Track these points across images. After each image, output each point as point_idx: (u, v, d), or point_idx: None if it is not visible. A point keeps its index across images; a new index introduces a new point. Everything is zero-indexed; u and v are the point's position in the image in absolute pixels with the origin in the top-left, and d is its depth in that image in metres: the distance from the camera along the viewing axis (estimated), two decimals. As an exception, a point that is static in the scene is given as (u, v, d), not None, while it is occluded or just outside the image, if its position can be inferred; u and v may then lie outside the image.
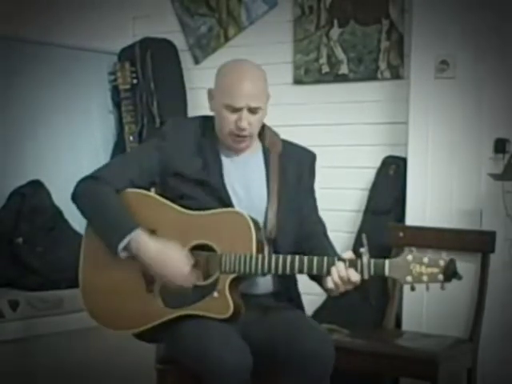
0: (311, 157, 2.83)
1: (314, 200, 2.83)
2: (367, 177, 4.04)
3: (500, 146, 3.55)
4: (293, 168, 2.75)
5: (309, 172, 2.81)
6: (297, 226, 2.73)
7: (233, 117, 2.63)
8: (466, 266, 3.49)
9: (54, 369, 3.57)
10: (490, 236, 3.48)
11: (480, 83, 3.57)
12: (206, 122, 2.76)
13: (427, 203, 3.69)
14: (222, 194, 2.67)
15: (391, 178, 3.93)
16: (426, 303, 3.60)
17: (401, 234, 3.68)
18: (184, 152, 2.70)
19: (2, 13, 4.09)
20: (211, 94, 2.73)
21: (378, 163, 4.00)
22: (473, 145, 3.60)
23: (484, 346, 3.48)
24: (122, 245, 2.57)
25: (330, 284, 2.50)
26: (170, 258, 2.57)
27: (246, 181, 2.72)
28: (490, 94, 3.56)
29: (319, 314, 3.83)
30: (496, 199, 3.53)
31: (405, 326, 3.70)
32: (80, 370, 3.61)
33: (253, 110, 2.64)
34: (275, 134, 2.81)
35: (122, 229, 2.59)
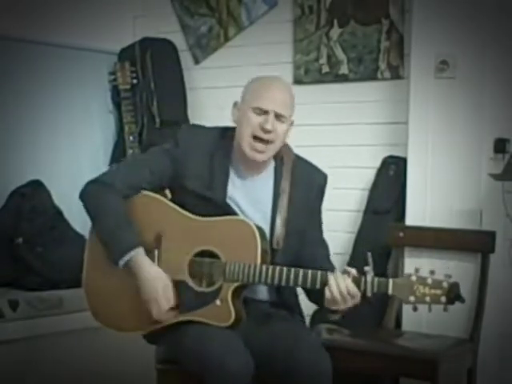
0: (322, 178, 2.80)
1: (320, 222, 2.82)
2: (367, 177, 4.04)
3: (500, 145, 3.55)
4: (303, 186, 2.73)
5: (317, 193, 2.79)
6: (298, 245, 2.72)
7: (259, 119, 2.62)
8: (466, 265, 3.50)
9: (54, 369, 3.57)
10: (490, 236, 3.48)
11: (480, 83, 3.57)
12: (222, 134, 2.74)
13: (427, 203, 3.69)
14: (225, 210, 2.65)
15: (391, 178, 3.93)
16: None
17: (401, 234, 3.68)
18: (194, 163, 2.69)
19: (1, 13, 4.09)
20: (237, 106, 2.71)
21: (377, 163, 4.00)
22: (473, 145, 3.60)
23: (484, 346, 3.48)
24: (122, 262, 2.60)
25: (327, 295, 2.50)
26: (156, 291, 2.59)
27: (253, 198, 2.71)
28: (490, 94, 3.56)
29: (319, 313, 3.82)
30: (496, 199, 3.52)
31: (405, 326, 3.70)
32: (80, 370, 3.61)
33: (279, 117, 2.63)
34: (288, 147, 2.79)
35: (124, 244, 2.61)
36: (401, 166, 3.88)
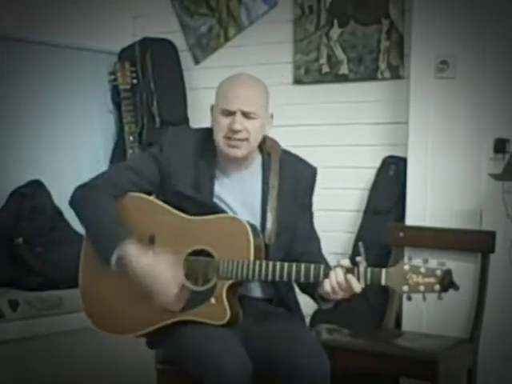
0: (311, 172, 2.79)
1: (311, 215, 2.81)
2: (367, 177, 4.04)
3: (500, 145, 3.55)
4: (291, 180, 2.73)
5: (307, 187, 2.78)
6: (290, 240, 2.72)
7: (227, 120, 2.63)
8: (466, 266, 3.50)
9: (54, 369, 3.57)
10: (490, 236, 3.48)
11: (480, 83, 3.57)
12: (206, 135, 2.74)
13: (427, 203, 3.69)
14: (213, 209, 2.65)
15: (391, 178, 3.93)
16: (425, 303, 3.60)
17: (401, 234, 3.68)
18: (179, 166, 2.69)
19: (1, 13, 4.09)
20: (212, 109, 2.73)
21: (377, 163, 4.00)
22: (473, 145, 3.60)
23: (484, 346, 3.48)
24: (114, 258, 2.57)
25: (327, 287, 2.49)
26: (159, 277, 2.55)
27: (242, 196, 2.71)
28: (490, 94, 3.56)
29: (319, 314, 3.82)
30: (496, 199, 3.52)
31: (405, 326, 3.70)
32: (80, 370, 3.61)
33: (247, 115, 2.63)
34: (275, 142, 2.79)
35: (113, 241, 2.58)
36: (401, 166, 3.88)
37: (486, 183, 3.55)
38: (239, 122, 2.62)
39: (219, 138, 2.65)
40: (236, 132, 2.62)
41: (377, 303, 3.74)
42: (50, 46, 4.29)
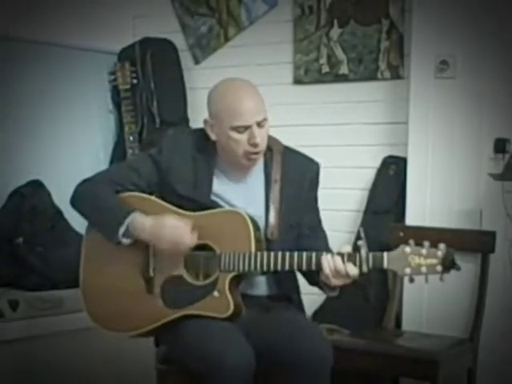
0: (314, 167, 2.79)
1: (317, 211, 2.81)
2: (367, 177, 4.04)
3: (500, 145, 3.55)
4: (294, 176, 2.73)
5: (311, 183, 2.78)
6: (295, 235, 2.72)
7: (244, 136, 2.62)
8: (466, 266, 3.49)
9: (54, 369, 3.57)
10: (490, 236, 3.48)
11: (480, 83, 3.57)
12: (204, 135, 2.73)
13: (427, 203, 3.69)
14: (210, 207, 2.66)
15: (391, 178, 3.94)
16: (426, 303, 3.61)
17: (401, 234, 3.68)
18: (178, 168, 2.71)
19: (1, 13, 4.09)
20: (210, 123, 2.69)
21: (377, 163, 4.01)
22: (473, 145, 3.60)
23: (484, 346, 3.48)
24: (121, 230, 2.60)
25: (322, 276, 2.50)
26: (168, 222, 2.59)
27: (244, 192, 2.72)
28: (490, 93, 3.56)
29: (319, 313, 3.83)
30: (496, 199, 3.53)
31: (405, 326, 3.70)
32: (80, 370, 3.61)
33: (260, 124, 2.63)
34: (275, 139, 2.79)
35: (118, 216, 2.62)
36: (401, 165, 3.88)
37: (486, 183, 3.55)
38: (257, 134, 2.61)
39: (239, 153, 2.64)
40: (257, 145, 2.62)
41: (377, 302, 3.75)
42: (50, 45, 4.29)
